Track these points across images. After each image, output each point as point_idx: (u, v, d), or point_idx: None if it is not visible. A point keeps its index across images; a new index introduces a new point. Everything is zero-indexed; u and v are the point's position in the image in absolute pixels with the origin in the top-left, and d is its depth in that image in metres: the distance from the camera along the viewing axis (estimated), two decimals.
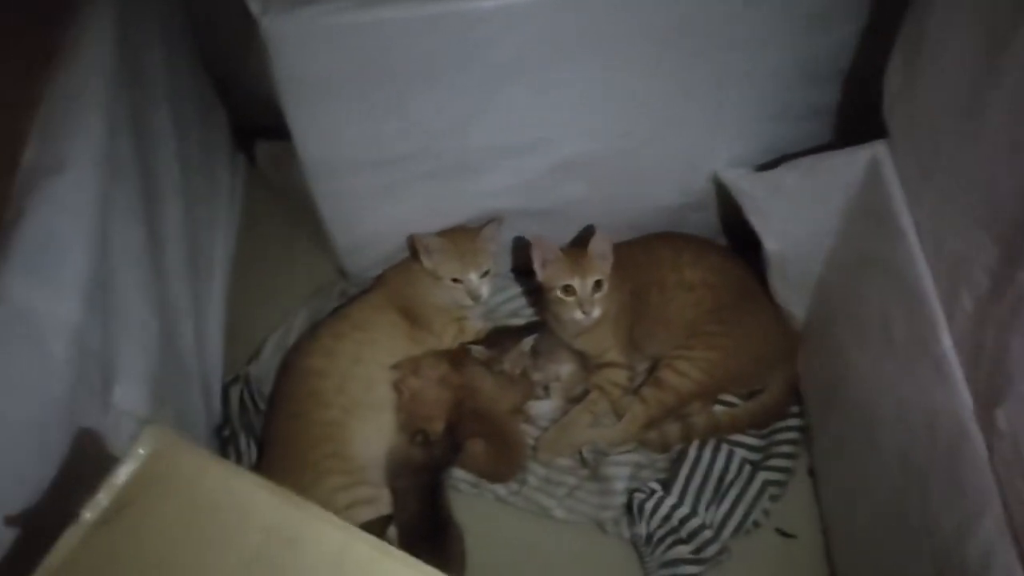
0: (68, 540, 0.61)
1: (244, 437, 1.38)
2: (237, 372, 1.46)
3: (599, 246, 1.32)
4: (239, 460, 1.36)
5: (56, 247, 0.89)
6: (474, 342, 1.41)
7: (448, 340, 1.44)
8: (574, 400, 1.41)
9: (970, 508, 0.85)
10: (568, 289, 1.31)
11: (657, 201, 1.42)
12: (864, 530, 1.16)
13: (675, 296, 1.38)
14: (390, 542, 1.15)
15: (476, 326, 1.47)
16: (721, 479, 1.32)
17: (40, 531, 0.69)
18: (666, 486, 1.31)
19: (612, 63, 1.15)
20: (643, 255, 1.42)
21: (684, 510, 1.29)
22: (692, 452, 1.34)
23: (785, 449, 1.36)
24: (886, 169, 1.05)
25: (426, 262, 1.39)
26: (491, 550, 1.29)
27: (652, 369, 1.41)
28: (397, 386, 1.35)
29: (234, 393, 1.43)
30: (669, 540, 1.28)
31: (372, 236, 1.43)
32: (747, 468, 1.33)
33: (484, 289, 1.39)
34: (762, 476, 1.33)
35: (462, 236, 1.39)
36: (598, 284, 1.31)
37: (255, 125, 1.59)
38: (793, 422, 1.39)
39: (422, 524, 1.25)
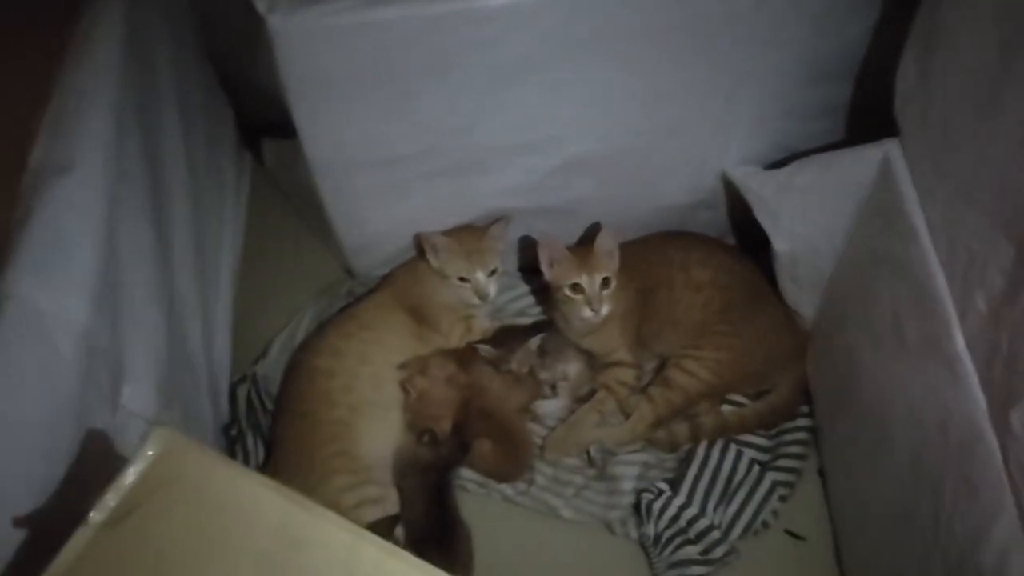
0: (76, 542, 0.61)
1: (251, 436, 1.38)
2: (244, 371, 1.46)
3: (605, 243, 1.32)
4: (246, 459, 1.36)
5: (64, 246, 0.89)
6: (481, 341, 1.41)
7: (455, 339, 1.43)
8: (581, 399, 1.41)
9: (984, 510, 0.84)
10: (576, 287, 1.31)
11: (666, 200, 1.42)
12: (875, 532, 1.15)
13: (684, 296, 1.38)
14: (397, 542, 1.15)
15: (483, 325, 1.46)
16: (730, 479, 1.31)
17: (48, 532, 0.69)
18: (674, 486, 1.30)
19: (620, 62, 1.14)
20: (652, 254, 1.42)
21: (692, 511, 1.28)
22: (700, 452, 1.33)
23: (794, 450, 1.36)
24: (898, 167, 1.04)
25: (433, 261, 1.39)
26: (499, 550, 1.29)
27: (660, 368, 1.41)
28: (404, 385, 1.35)
29: (241, 392, 1.43)
30: (677, 541, 1.27)
31: (379, 235, 1.43)
32: (756, 468, 1.32)
33: (491, 288, 1.39)
34: (771, 477, 1.32)
35: (469, 235, 1.39)
36: (606, 281, 1.31)
37: (262, 123, 1.59)
38: (802, 422, 1.38)
39: (429, 524, 1.25)
